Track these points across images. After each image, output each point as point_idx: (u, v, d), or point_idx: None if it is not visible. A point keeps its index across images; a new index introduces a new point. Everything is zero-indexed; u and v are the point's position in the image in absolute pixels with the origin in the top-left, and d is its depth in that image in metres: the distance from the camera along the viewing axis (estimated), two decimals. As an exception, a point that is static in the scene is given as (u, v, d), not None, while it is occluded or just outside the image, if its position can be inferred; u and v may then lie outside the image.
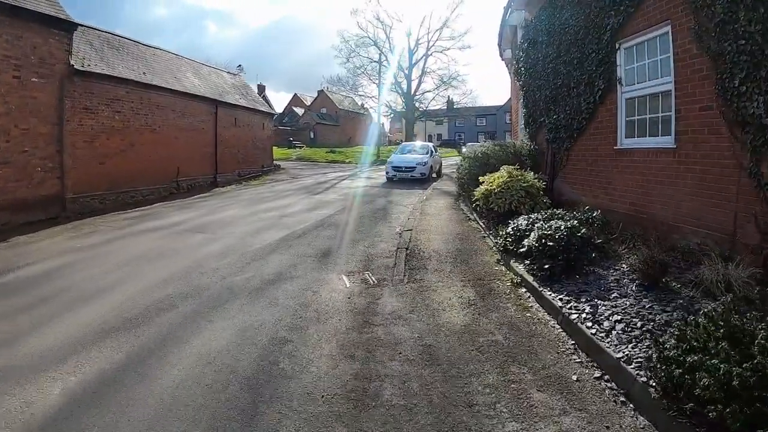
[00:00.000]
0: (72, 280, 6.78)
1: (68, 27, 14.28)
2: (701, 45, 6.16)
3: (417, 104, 59.67)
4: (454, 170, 32.09)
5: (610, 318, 4.67)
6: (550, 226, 6.45)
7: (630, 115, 8.20)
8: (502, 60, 22.35)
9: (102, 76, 16.41)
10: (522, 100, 13.32)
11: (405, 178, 21.12)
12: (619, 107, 8.36)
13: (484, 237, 9.11)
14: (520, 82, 13.17)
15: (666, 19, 6.95)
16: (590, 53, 8.98)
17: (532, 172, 10.20)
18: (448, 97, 62.53)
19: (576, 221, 6.88)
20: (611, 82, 8.52)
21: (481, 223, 9.96)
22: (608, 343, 4.22)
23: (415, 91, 59.01)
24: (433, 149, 24.48)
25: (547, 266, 5.94)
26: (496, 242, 8.01)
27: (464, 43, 58.96)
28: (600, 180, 8.98)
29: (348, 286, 6.46)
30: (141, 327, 5.01)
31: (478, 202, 9.93)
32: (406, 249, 8.18)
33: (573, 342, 4.57)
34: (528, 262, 6.46)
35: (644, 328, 4.36)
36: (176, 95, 20.74)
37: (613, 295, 5.32)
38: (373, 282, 6.61)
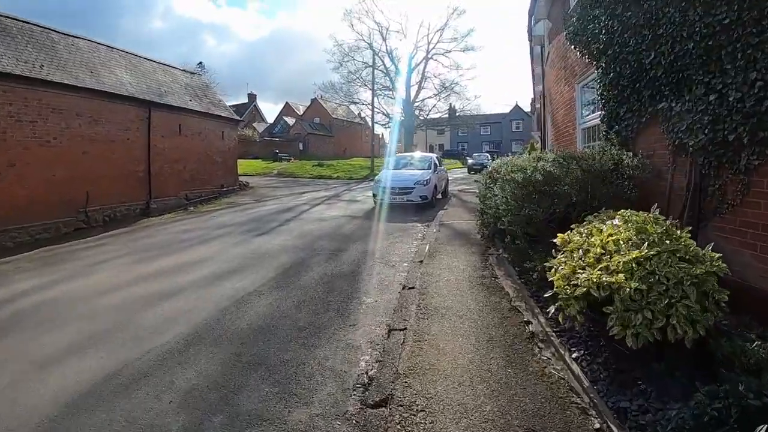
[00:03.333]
0: None
1: None
2: None
3: (417, 112, 54.09)
4: (463, 185, 26.62)
5: None
6: None
7: None
8: (530, 40, 16.68)
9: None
10: (597, 77, 7.48)
11: (399, 203, 15.14)
12: None
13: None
14: (596, 46, 7.36)
15: None
16: None
17: (663, 218, 4.35)
18: (450, 104, 56.82)
19: None
20: None
21: (580, 377, 3.79)
22: None
23: (415, 98, 53.48)
24: (436, 161, 18.39)
25: None
26: None
27: (467, 44, 52.76)
28: None
29: None
30: None
31: (568, 307, 3.86)
32: None
33: None
34: None
35: None
36: (86, 95, 15.25)
37: None
38: None
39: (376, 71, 47.98)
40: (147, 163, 17.58)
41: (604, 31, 7.01)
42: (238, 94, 72.16)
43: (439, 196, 17.53)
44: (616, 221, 4.27)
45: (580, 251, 4.10)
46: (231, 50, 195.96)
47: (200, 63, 50.57)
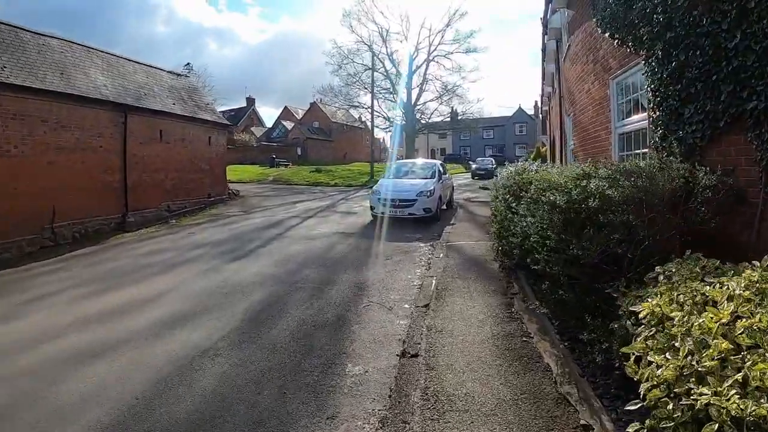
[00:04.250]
0: None
1: None
2: None
3: (418, 116, 52.49)
4: (468, 192, 24.76)
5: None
6: None
7: None
8: (545, 33, 15.16)
9: None
10: (646, 69, 5.87)
11: (399, 217, 13.56)
12: None
13: None
14: (647, 29, 5.78)
15: None
16: None
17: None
18: (452, 107, 55.06)
19: None
20: None
21: None
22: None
23: (416, 102, 51.87)
24: (440, 169, 16.67)
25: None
26: None
27: (470, 45, 50.98)
28: None
29: None
30: None
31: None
32: None
33: None
34: None
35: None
36: (52, 99, 13.81)
37: None
38: None
39: (376, 74, 46.52)
40: (123, 172, 16.04)
41: (660, 9, 5.44)
42: (240, 98, 70.90)
43: (444, 206, 15.92)
44: (735, 287, 2.69)
45: (689, 341, 2.52)
46: (234, 54, 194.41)
47: (188, 64, 48.95)
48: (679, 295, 2.94)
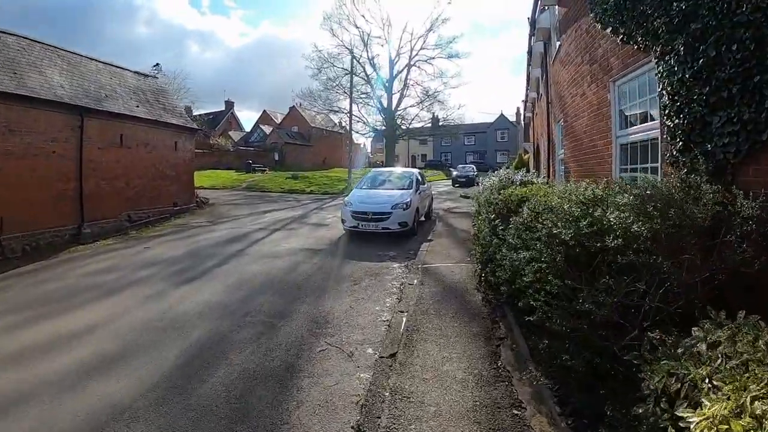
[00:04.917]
0: None
1: None
2: None
3: (399, 121, 51.53)
4: (448, 202, 23.70)
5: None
6: None
7: None
8: (532, 34, 14.30)
9: None
10: (661, 69, 4.89)
11: (373, 232, 12.48)
12: None
13: None
14: (662, 20, 4.82)
15: None
16: None
17: None
18: (433, 113, 54.27)
19: None
20: None
21: None
22: None
23: (397, 107, 50.95)
24: (418, 177, 15.53)
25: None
26: None
27: (452, 50, 50.13)
28: None
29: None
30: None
31: None
32: None
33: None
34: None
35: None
36: (-1, 100, 12.39)
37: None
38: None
39: (356, 79, 45.53)
40: (78, 180, 14.74)
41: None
42: (220, 101, 69.36)
43: (422, 218, 14.86)
44: None
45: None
46: (215, 57, 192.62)
47: (157, 64, 47.41)
48: (753, 400, 1.93)
